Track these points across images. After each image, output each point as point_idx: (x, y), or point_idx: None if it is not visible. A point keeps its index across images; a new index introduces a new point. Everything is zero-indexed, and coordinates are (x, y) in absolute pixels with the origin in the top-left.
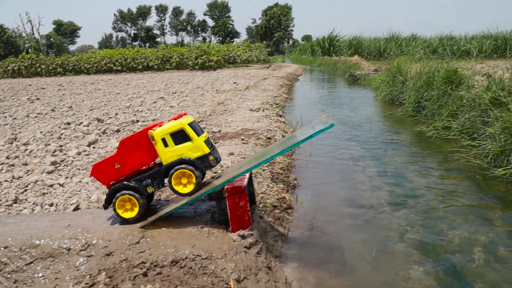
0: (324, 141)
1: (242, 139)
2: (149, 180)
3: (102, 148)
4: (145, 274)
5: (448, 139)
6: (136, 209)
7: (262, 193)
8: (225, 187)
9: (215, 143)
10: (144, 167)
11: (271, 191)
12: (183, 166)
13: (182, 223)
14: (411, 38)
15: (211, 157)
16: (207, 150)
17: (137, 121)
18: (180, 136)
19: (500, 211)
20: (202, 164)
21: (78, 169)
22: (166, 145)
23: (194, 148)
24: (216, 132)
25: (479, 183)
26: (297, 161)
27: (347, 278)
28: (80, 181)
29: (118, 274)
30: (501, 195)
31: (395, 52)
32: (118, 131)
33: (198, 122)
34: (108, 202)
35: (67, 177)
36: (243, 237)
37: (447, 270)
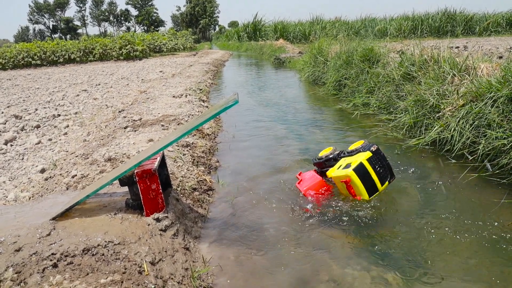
0: (248, 123)
1: (162, 125)
2: None
3: (20, 145)
4: (55, 265)
5: (368, 114)
6: None
7: (182, 176)
8: (135, 171)
9: (135, 131)
10: None
11: (191, 174)
12: None
13: (96, 211)
14: (335, 20)
15: None
16: None
17: (59, 115)
18: None
19: (416, 179)
20: None
21: None
22: None
23: None
24: (136, 120)
25: (397, 153)
26: (220, 144)
27: (268, 254)
28: None
29: (27, 268)
30: (415, 163)
31: (319, 35)
32: (38, 126)
33: (120, 111)
34: None
35: None
36: (158, 220)
37: (364, 237)
